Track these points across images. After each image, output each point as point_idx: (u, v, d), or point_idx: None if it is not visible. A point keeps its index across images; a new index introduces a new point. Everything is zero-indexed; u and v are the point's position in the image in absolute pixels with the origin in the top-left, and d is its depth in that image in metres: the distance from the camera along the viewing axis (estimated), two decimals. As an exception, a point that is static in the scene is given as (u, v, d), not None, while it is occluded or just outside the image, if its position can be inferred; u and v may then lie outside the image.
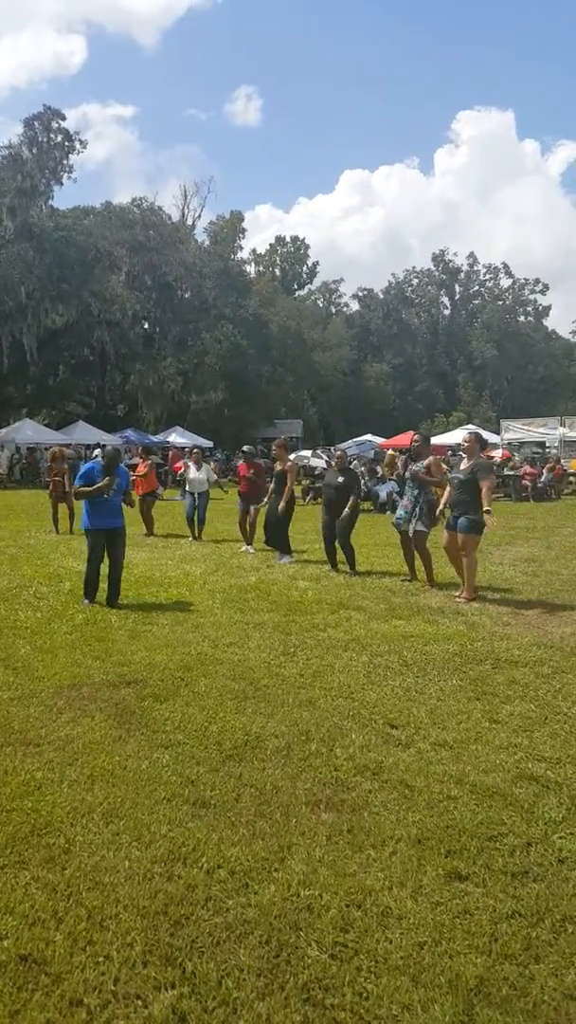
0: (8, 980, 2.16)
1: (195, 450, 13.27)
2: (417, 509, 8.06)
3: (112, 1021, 2.03)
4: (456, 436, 32.56)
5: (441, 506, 8.06)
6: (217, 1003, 2.09)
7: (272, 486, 10.22)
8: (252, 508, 10.92)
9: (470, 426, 35.63)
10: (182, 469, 13.50)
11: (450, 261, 70.35)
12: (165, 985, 2.15)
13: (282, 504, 9.80)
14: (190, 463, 12.51)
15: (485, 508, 7.22)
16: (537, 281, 68.01)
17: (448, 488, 7.77)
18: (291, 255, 69.38)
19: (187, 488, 12.30)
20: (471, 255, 70.54)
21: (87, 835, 2.93)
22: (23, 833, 2.93)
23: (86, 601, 7.08)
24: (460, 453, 8.02)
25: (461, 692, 4.71)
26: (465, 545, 7.37)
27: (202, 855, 2.79)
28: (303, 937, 2.36)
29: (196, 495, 12.09)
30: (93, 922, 2.42)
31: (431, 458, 8.27)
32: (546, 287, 67.99)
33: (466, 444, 7.74)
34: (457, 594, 7.57)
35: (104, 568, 7.17)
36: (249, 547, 10.94)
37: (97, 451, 32.57)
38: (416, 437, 8.78)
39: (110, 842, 2.88)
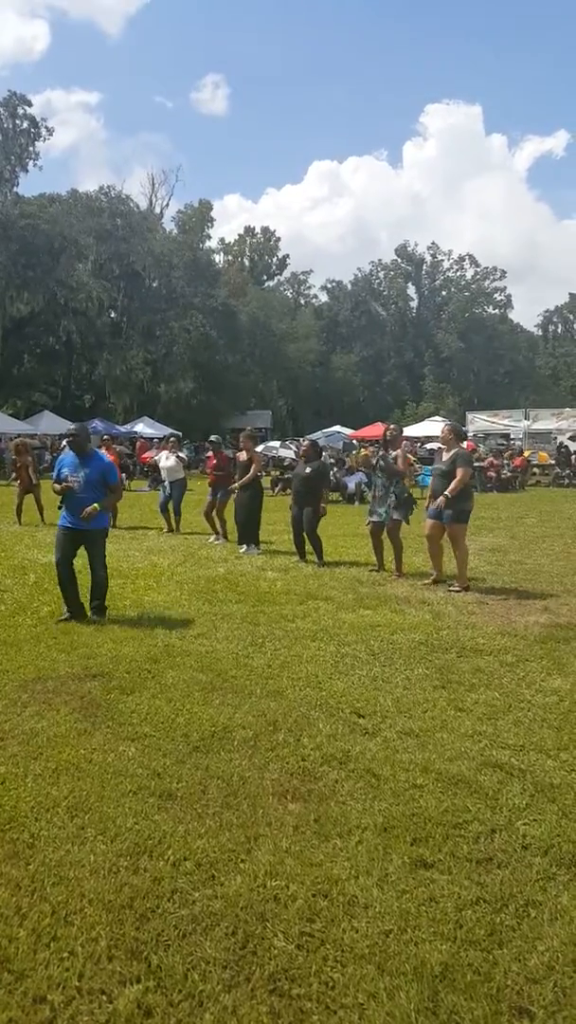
0: (-31, 979, 2.12)
1: (171, 439, 13.17)
2: (392, 498, 8.10)
3: (76, 1017, 2.01)
4: (423, 428, 32.88)
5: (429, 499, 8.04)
6: (183, 996, 2.08)
7: (238, 477, 10.15)
8: (218, 498, 10.86)
9: (437, 417, 35.94)
10: (151, 459, 13.45)
11: (413, 252, 70.70)
12: (130, 979, 2.14)
13: (235, 486, 9.83)
14: (164, 452, 12.41)
15: (446, 492, 7.29)
16: (495, 269, 68.80)
17: (427, 478, 7.83)
18: (260, 245, 69.03)
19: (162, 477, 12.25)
20: (432, 244, 71.09)
21: (52, 829, 2.89)
22: (-15, 829, 2.88)
23: (66, 614, 6.05)
24: (440, 445, 8.11)
25: (427, 681, 4.75)
26: (453, 535, 7.44)
27: (168, 847, 2.77)
28: (270, 928, 2.36)
29: (168, 484, 11.99)
30: (57, 917, 2.39)
31: (399, 451, 8.32)
32: (504, 273, 68.82)
33: (443, 436, 7.82)
34: (427, 582, 7.70)
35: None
36: (217, 538, 10.89)
37: (64, 441, 32.10)
38: (392, 427, 8.83)
39: (75, 836, 2.85)
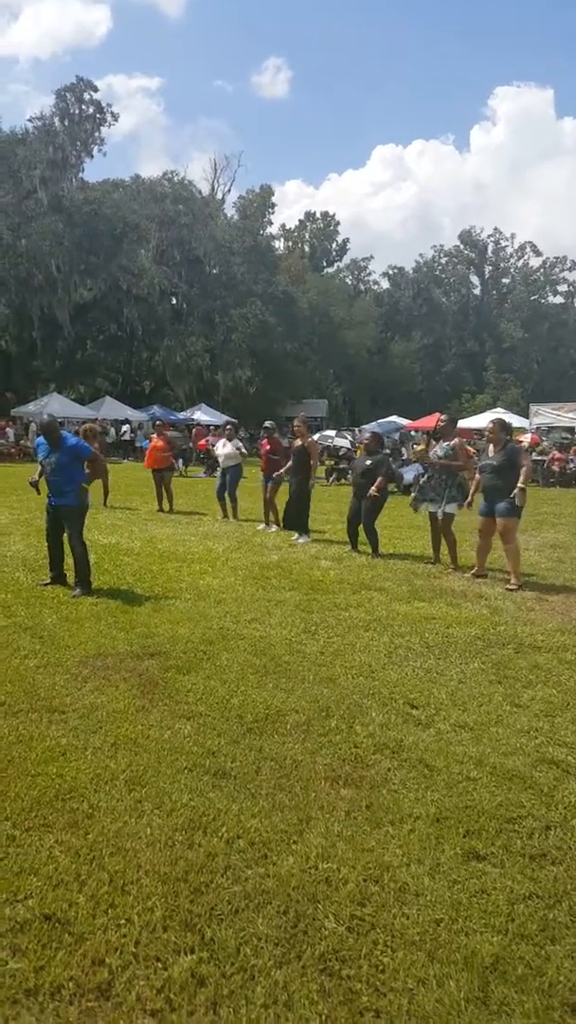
0: (33, 938, 2.22)
1: (227, 427, 13.25)
2: (447, 491, 7.98)
3: (133, 981, 2.08)
4: (483, 420, 32.18)
5: (471, 496, 7.89)
6: (235, 969, 2.13)
7: (291, 464, 10.10)
8: (269, 485, 10.89)
9: (499, 408, 35.17)
10: (207, 445, 13.55)
11: (478, 239, 69.11)
12: (184, 949, 2.20)
13: (310, 482, 9.83)
14: (221, 440, 12.50)
15: (520, 485, 7.12)
16: (565, 259, 66.63)
17: (477, 475, 7.66)
18: (321, 231, 68.53)
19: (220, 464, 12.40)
20: (496, 231, 69.35)
21: (110, 801, 2.98)
22: (48, 797, 3.00)
23: (48, 579, 6.79)
24: (485, 441, 7.93)
25: (482, 675, 4.70)
26: (506, 530, 7.28)
27: (222, 825, 2.83)
28: (321, 909, 2.39)
29: (224, 471, 12.08)
30: (115, 886, 2.47)
31: (456, 440, 8.17)
32: (575, 264, 66.54)
33: (489, 433, 7.64)
34: (469, 574, 7.60)
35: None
36: (267, 526, 10.92)
37: (125, 427, 32.55)
38: (442, 418, 8.69)
39: (132, 809, 2.94)
